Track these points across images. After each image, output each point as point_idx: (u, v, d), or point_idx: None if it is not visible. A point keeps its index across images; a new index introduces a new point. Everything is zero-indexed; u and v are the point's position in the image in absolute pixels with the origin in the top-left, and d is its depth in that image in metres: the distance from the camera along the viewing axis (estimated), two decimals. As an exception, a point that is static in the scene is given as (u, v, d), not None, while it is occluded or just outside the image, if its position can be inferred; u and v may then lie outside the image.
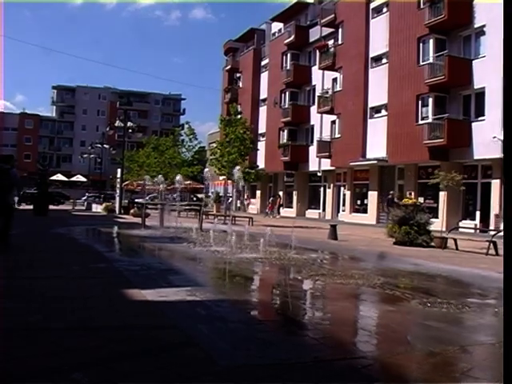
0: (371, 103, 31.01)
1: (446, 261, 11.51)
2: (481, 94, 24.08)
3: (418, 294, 6.94)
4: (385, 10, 30.32)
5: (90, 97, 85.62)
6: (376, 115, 31.01)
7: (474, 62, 24.67)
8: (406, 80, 27.52)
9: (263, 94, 44.52)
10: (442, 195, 24.31)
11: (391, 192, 24.99)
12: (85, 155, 62.24)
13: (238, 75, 50.33)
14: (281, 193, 40.93)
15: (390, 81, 28.85)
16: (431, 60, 26.21)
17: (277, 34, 43.80)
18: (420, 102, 27.09)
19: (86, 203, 41.12)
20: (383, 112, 30.21)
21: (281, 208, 37.59)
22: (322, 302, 6.94)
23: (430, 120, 26.22)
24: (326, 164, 34.87)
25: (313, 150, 36.80)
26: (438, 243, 15.01)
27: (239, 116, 28.19)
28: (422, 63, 26.79)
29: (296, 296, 7.01)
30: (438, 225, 17.40)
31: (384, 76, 29.19)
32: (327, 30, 36.12)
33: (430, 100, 26.43)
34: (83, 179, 65.79)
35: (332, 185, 35.70)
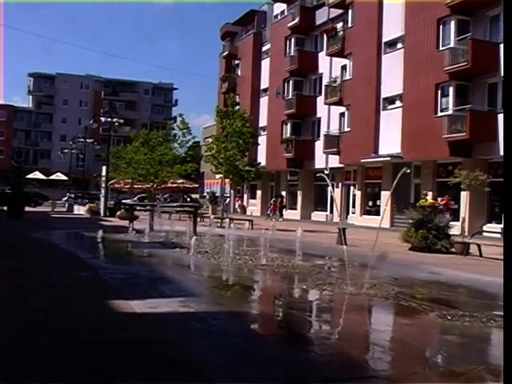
0: (384, 93, 30.98)
1: (469, 269, 11.49)
2: (508, 83, 23.98)
3: (436, 306, 6.93)
4: (400, -11, 30.30)
5: (70, 85, 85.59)
6: (390, 106, 30.97)
7: (501, 45, 24.60)
8: (424, 67, 27.50)
9: (264, 84, 44.47)
10: (464, 196, 24.29)
11: (425, 192, 24.77)
12: (65, 151, 62.30)
13: (236, 62, 50.28)
14: (284, 193, 40.90)
15: (405, 68, 28.83)
16: (452, 44, 26.17)
17: (279, 17, 43.78)
18: (439, 91, 27.06)
19: (67, 204, 41.16)
20: (398, 103, 30.18)
21: (283, 210, 37.60)
22: (329, 314, 6.94)
23: (450, 112, 26.20)
24: (334, 161, 34.86)
25: (319, 145, 36.78)
26: (459, 249, 15.00)
27: (237, 107, 28.17)
28: (441, 48, 26.75)
29: (301, 308, 7.00)
30: (459, 229, 17.39)
31: (399, 63, 29.17)
32: (336, 12, 36.09)
33: (451, 89, 26.41)
34: (64, 178, 65.78)
35: (341, 184, 35.66)
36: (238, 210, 45.02)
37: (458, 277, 10.16)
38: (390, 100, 30.99)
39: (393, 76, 29.85)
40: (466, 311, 6.52)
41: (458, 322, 6.00)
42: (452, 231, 15.85)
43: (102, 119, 36.92)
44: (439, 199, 21.00)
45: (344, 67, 35.24)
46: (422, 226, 15.43)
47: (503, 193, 1.60)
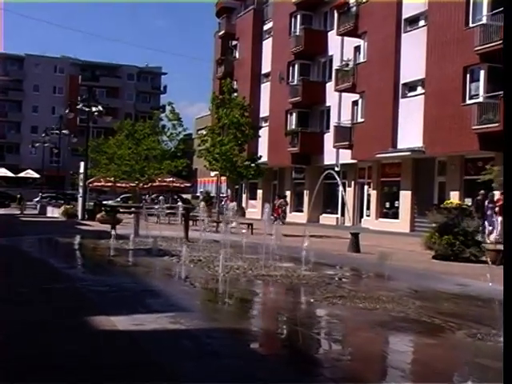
0: (404, 78, 30.96)
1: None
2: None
3: (465, 323, 6.92)
4: (422, -43, 30.26)
5: (43, 69, 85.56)
6: (410, 94, 30.95)
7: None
8: (451, 47, 27.45)
9: (266, 68, 44.47)
10: (497, 195, 24.25)
11: (481, 192, 24.40)
12: (37, 144, 62.23)
13: (233, 43, 50.25)
14: (288, 193, 40.89)
15: (429, 49, 28.79)
16: (485, 20, 26.06)
17: (283, -10, 43.83)
18: (468, 75, 27.00)
19: (39, 206, 41.18)
20: (420, 89, 30.15)
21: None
22: (340, 331, 6.92)
23: (481, 99, 26.16)
24: (346, 156, 34.86)
25: (329, 138, 36.79)
26: (491, 257, 14.96)
27: (235, 95, 28.16)
28: (471, 25, 26.67)
29: (308, 324, 6.99)
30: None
31: (421, 43, 29.14)
32: (348, -15, 36.12)
33: (482, 73, 26.35)
34: (35, 175, 65.86)
35: (353, 182, 35.67)
36: (225, 210, 44.86)
37: (489, 289, 10.13)
38: (411, 86, 30.96)
39: (414, 58, 29.82)
40: (500, 330, 6.49)
41: (490, 343, 5.99)
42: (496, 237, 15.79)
43: (80, 107, 36.89)
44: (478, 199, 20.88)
45: (357, 48, 35.23)
46: (447, 230, 15.41)
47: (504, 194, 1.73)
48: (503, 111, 4.06)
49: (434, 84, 28.37)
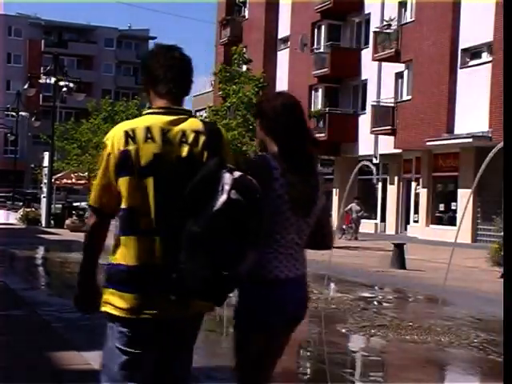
0: (465, 42, 30.77)
1: None
2: None
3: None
4: None
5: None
6: (473, 62, 30.76)
7: None
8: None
9: (284, 31, 44.37)
10: None
11: None
12: (-13, 129, 62.61)
13: (242, -2, 50.35)
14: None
15: (498, 4, 28.65)
16: None
17: None
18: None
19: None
20: (485, 57, 29.98)
21: None
22: (381, 371, 6.91)
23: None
24: (388, 145, 34.80)
25: (365, 121, 36.77)
26: None
27: (245, 67, 28.08)
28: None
29: (338, 361, 6.99)
30: None
31: (485, -3, 29.06)
32: None
33: None
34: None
35: (397, 178, 35.57)
36: None
37: None
38: (474, 52, 30.81)
39: (478, 16, 29.64)
40: None
41: None
42: None
43: (43, 81, 36.97)
44: None
45: (403, 4, 35.15)
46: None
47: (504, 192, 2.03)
48: (503, 111, 4.00)
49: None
